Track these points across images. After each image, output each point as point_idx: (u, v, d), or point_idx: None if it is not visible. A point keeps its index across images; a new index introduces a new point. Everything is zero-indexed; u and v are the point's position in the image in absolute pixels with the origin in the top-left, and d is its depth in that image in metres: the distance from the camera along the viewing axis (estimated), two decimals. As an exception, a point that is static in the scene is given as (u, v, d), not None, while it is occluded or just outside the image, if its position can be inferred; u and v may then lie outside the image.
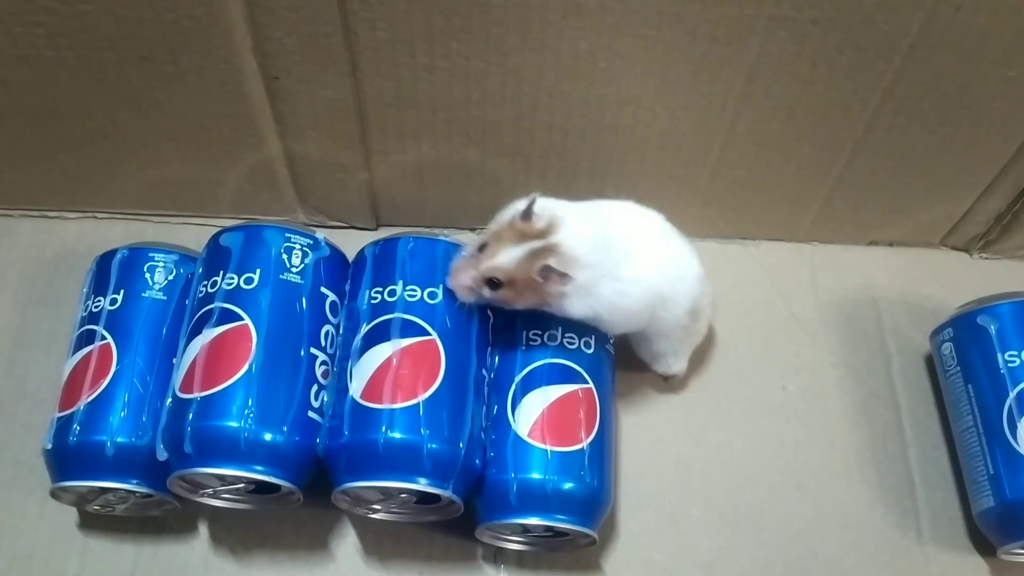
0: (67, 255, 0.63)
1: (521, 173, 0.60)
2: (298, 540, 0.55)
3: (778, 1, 0.48)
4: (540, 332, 0.53)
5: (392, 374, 0.48)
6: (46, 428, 0.51)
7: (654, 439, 0.59)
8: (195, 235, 0.61)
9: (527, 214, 0.49)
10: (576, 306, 0.50)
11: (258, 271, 0.51)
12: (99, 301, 0.53)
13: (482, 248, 0.50)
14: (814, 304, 0.65)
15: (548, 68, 0.52)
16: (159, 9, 0.48)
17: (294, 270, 0.51)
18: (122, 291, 0.53)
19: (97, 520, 0.54)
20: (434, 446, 0.47)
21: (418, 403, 0.48)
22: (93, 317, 0.53)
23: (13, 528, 0.54)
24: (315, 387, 0.50)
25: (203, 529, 0.55)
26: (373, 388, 0.48)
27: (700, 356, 0.62)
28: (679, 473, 0.58)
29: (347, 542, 0.55)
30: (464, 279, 0.50)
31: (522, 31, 0.50)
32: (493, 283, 0.49)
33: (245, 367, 0.48)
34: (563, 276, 0.48)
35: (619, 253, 0.51)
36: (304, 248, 0.52)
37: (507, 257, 0.49)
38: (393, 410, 0.48)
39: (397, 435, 0.47)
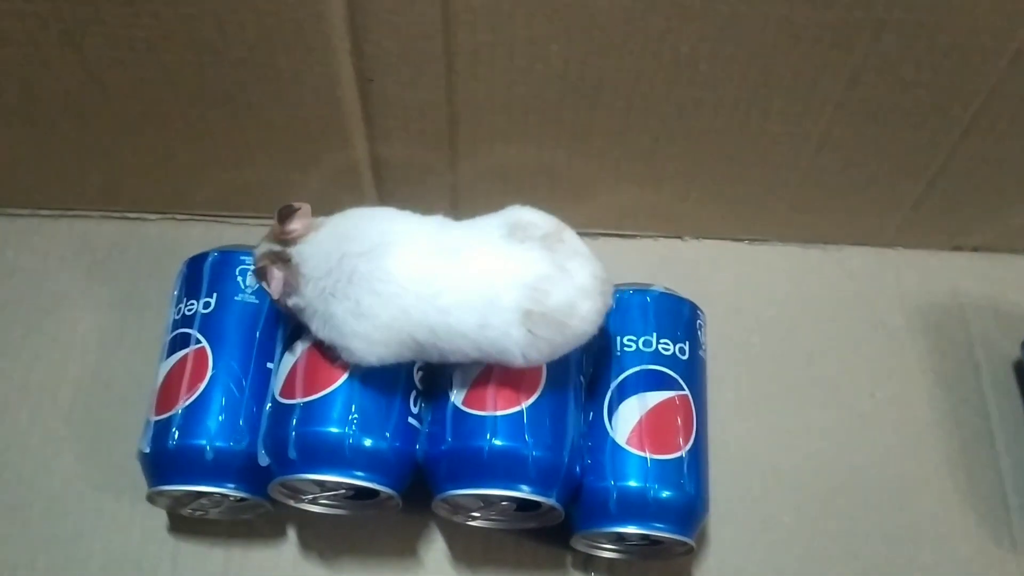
0: (148, 257, 0.63)
1: (608, 176, 0.60)
2: (387, 546, 0.55)
3: (888, 4, 0.47)
4: (635, 338, 0.53)
5: (494, 381, 0.48)
6: (136, 431, 0.51)
7: (743, 446, 0.58)
8: (276, 237, 0.61)
9: (282, 218, 0.47)
10: (316, 326, 0.47)
11: (356, 275, 0.50)
12: (192, 304, 0.53)
13: None
14: (900, 310, 0.64)
15: (646, 71, 0.52)
16: (261, 12, 0.48)
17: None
18: (215, 294, 0.53)
19: (188, 523, 0.54)
20: (538, 453, 0.47)
21: (521, 410, 0.47)
22: (186, 320, 0.52)
23: (105, 531, 0.54)
24: (414, 392, 0.49)
25: (292, 533, 0.55)
26: (475, 395, 0.48)
27: (786, 362, 0.62)
28: (769, 481, 0.58)
29: (436, 547, 0.55)
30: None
31: (624, 34, 0.49)
32: (260, 273, 0.48)
33: (347, 372, 0.47)
34: (280, 282, 0.47)
35: (357, 274, 0.45)
36: (399, 252, 0.52)
37: (259, 249, 0.49)
38: (496, 417, 0.47)
39: (501, 443, 0.47)
